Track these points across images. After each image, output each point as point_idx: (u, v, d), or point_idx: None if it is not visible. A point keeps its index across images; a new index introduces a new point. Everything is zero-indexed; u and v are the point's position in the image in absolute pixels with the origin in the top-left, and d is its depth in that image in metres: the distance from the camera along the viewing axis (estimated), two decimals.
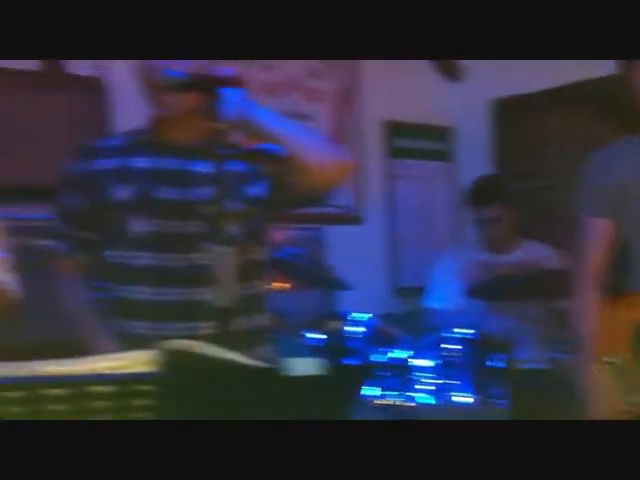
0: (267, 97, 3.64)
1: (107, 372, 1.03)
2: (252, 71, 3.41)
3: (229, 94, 1.60)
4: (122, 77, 3.10)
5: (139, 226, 1.81)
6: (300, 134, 1.86)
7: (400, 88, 3.98)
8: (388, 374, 2.78)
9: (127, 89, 3.20)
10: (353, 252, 3.76)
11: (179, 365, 1.07)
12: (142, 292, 1.81)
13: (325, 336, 2.96)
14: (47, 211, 2.70)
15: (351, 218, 4.00)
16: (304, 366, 1.07)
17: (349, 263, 3.47)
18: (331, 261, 3.70)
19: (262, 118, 1.76)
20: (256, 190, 1.87)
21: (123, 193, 1.83)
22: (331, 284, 3.12)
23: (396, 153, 4.16)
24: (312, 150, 1.80)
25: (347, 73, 3.94)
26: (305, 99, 3.69)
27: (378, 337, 2.97)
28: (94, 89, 3.01)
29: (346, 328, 2.93)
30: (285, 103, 3.72)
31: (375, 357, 2.83)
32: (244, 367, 1.09)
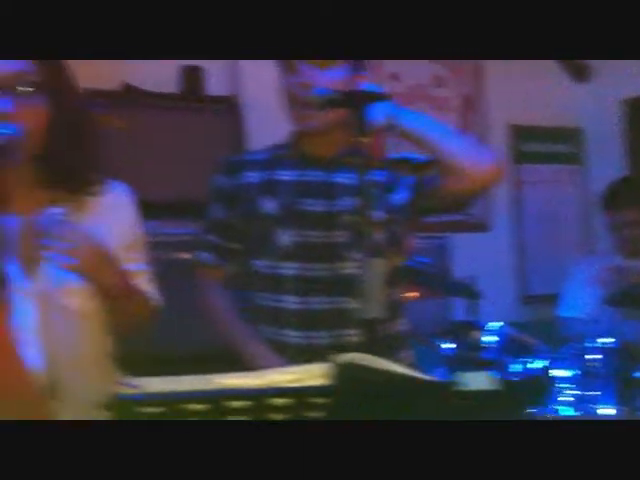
0: None
1: (284, 385, 1.05)
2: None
3: (377, 107, 1.63)
4: (256, 95, 3.24)
5: (285, 237, 1.86)
6: (451, 137, 1.88)
7: (525, 91, 3.90)
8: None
9: (261, 107, 3.37)
10: (479, 260, 3.71)
11: (352, 378, 1.07)
12: (289, 301, 1.85)
13: (455, 345, 2.91)
14: (192, 226, 2.82)
15: (477, 225, 3.95)
16: (478, 380, 1.05)
17: (475, 271, 3.42)
18: (457, 269, 3.67)
19: (412, 123, 1.79)
20: (398, 198, 1.89)
21: (269, 205, 1.88)
22: (463, 293, 3.07)
23: (523, 157, 4.08)
24: (463, 153, 1.79)
25: (471, 79, 3.90)
26: (430, 108, 3.67)
27: (513, 346, 2.90)
28: (230, 108, 3.11)
29: (480, 337, 2.88)
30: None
31: (513, 367, 2.76)
32: (416, 380, 1.09)
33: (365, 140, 1.60)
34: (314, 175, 1.90)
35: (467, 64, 3.88)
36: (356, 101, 1.63)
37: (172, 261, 2.77)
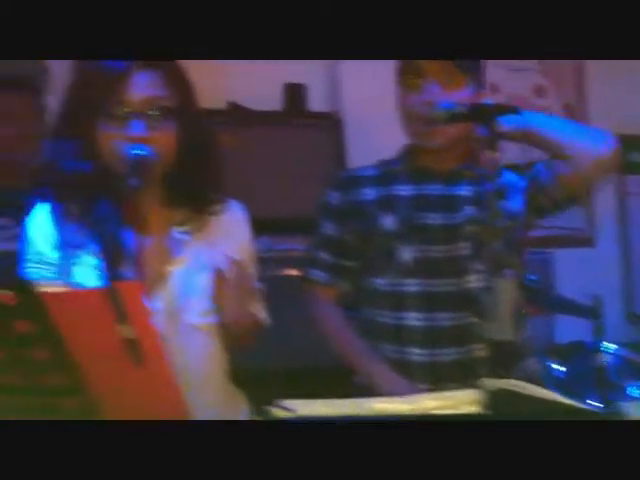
0: None
1: (434, 412, 1.02)
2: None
3: (507, 119, 1.60)
4: (356, 111, 3.25)
5: (406, 253, 1.83)
6: (577, 132, 1.86)
7: (629, 99, 3.77)
8: None
9: (361, 122, 3.38)
10: (584, 275, 3.60)
11: (504, 406, 1.03)
12: (412, 318, 1.81)
13: (564, 368, 2.82)
14: (297, 242, 2.83)
15: (582, 240, 3.83)
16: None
17: (580, 287, 3.31)
18: (562, 285, 3.56)
19: (543, 128, 1.76)
20: (513, 205, 1.84)
21: (389, 221, 1.85)
22: (583, 313, 2.96)
23: (628, 168, 3.94)
24: (587, 143, 1.80)
25: (572, 88, 3.80)
26: None
27: (628, 369, 2.79)
28: (332, 124, 3.12)
29: (598, 359, 2.77)
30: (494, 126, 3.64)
31: (631, 391, 2.65)
32: (572, 409, 1.04)
33: (494, 154, 1.56)
34: (433, 189, 1.88)
35: (569, 73, 3.79)
36: (484, 115, 1.59)
37: (280, 277, 2.77)
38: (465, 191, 1.87)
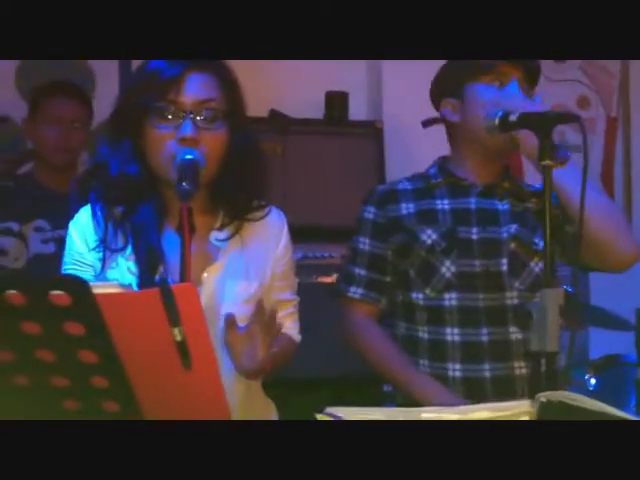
0: None
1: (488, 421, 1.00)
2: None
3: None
4: (398, 121, 3.24)
5: (446, 267, 1.82)
6: (605, 212, 1.79)
7: None
8: None
9: (402, 132, 3.36)
10: (619, 289, 3.54)
11: (559, 417, 1.02)
12: (452, 333, 1.80)
13: (594, 380, 2.77)
14: (333, 249, 2.81)
15: None
16: None
17: (615, 300, 3.27)
18: (597, 297, 3.52)
19: (567, 183, 1.72)
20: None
21: (429, 235, 1.84)
22: (614, 324, 2.92)
23: None
24: (610, 227, 1.75)
25: (617, 100, 3.76)
26: (574, 130, 3.55)
27: None
28: (373, 133, 3.11)
29: (629, 371, 2.72)
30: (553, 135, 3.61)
31: None
32: (629, 422, 1.02)
33: (554, 165, 1.54)
34: (471, 202, 1.87)
35: (613, 85, 3.74)
36: (542, 124, 1.56)
37: (315, 284, 2.77)
38: (502, 206, 1.86)
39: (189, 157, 1.38)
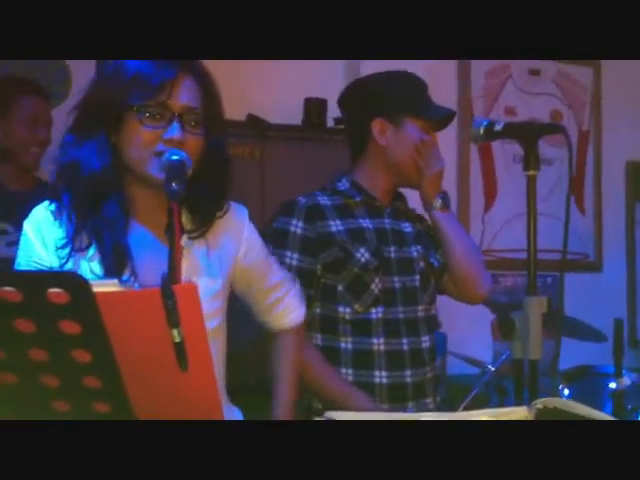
0: (504, 143, 3.61)
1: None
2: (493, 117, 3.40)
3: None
4: None
5: (375, 284, 1.90)
6: (470, 246, 2.10)
7: None
8: None
9: None
10: (591, 300, 3.60)
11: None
12: (379, 343, 1.90)
13: (568, 390, 2.80)
14: None
15: (590, 265, 3.84)
16: None
17: (587, 311, 3.32)
18: (569, 309, 3.56)
19: (448, 226, 2.04)
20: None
21: (362, 254, 1.90)
22: (587, 335, 2.97)
23: (639, 196, 3.96)
24: (470, 267, 2.04)
25: (588, 115, 3.82)
26: (547, 143, 3.60)
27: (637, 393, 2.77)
28: None
29: (601, 382, 2.76)
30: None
31: None
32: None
33: (534, 174, 1.57)
34: (387, 223, 2.00)
35: (586, 100, 3.81)
36: (526, 133, 1.59)
37: None
38: (408, 227, 2.03)
39: (176, 157, 1.37)
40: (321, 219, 1.91)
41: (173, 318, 0.96)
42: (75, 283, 0.94)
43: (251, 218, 1.63)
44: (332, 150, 3.08)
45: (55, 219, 1.43)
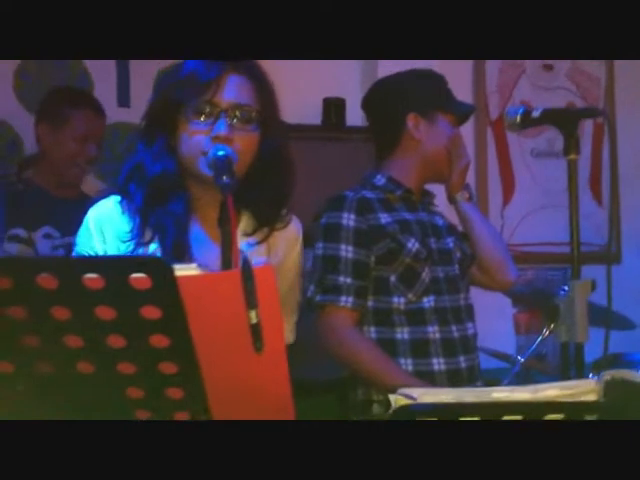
0: (520, 138, 3.63)
1: (558, 399, 1.03)
2: None
3: None
4: None
5: (426, 273, 1.96)
6: (496, 240, 2.18)
7: None
8: None
9: None
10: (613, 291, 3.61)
11: (622, 394, 1.05)
12: (434, 331, 1.95)
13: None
14: None
15: (609, 256, 3.85)
16: None
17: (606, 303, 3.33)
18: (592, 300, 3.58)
19: (473, 216, 2.12)
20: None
21: (412, 244, 1.95)
22: (615, 323, 2.98)
23: None
24: (500, 253, 2.13)
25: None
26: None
27: None
28: (371, 139, 3.14)
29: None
30: (539, 142, 3.69)
31: None
32: None
33: (575, 158, 1.60)
34: (423, 216, 2.07)
35: (601, 93, 3.83)
36: (564, 119, 1.62)
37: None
38: (439, 219, 2.11)
39: (222, 153, 1.40)
40: (370, 212, 1.95)
41: (252, 299, 0.98)
42: (158, 268, 0.96)
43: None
44: (352, 149, 3.11)
45: (122, 213, 1.46)
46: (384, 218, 1.96)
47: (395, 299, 1.93)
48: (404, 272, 1.93)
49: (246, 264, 0.96)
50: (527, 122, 1.69)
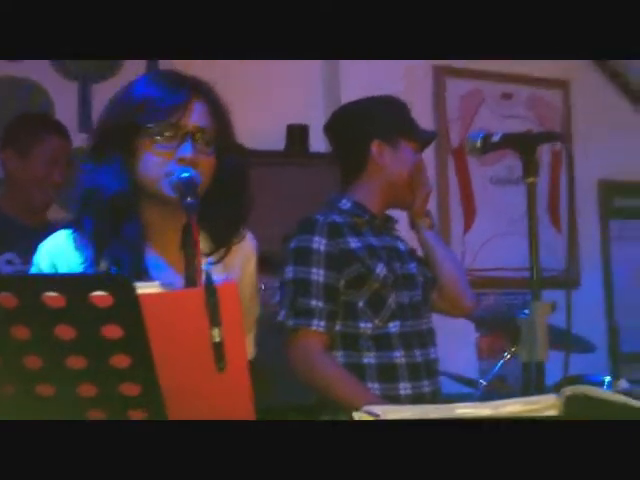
0: (480, 165, 3.68)
1: (518, 415, 1.04)
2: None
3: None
4: None
5: (392, 299, 1.97)
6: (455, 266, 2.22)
7: (615, 145, 3.90)
8: None
9: None
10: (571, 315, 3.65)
11: (583, 409, 1.06)
12: (400, 356, 1.96)
13: None
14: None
15: (567, 281, 3.90)
16: None
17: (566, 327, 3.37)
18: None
19: (434, 244, 2.16)
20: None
21: (381, 269, 1.96)
22: (575, 345, 3.01)
23: (612, 213, 4.05)
24: (457, 282, 2.14)
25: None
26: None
27: None
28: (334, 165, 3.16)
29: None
30: (498, 169, 3.74)
31: None
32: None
33: (534, 181, 1.62)
34: (387, 241, 2.08)
35: (557, 121, 3.90)
36: (524, 143, 1.65)
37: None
38: (401, 245, 2.12)
39: (186, 175, 1.40)
40: (340, 236, 1.96)
41: (215, 317, 0.98)
42: (120, 285, 0.95)
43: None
44: (315, 175, 3.12)
45: (75, 246, 1.44)
46: (354, 242, 1.97)
47: (362, 324, 1.94)
48: (371, 297, 1.95)
49: (209, 280, 0.95)
50: (487, 146, 1.71)
